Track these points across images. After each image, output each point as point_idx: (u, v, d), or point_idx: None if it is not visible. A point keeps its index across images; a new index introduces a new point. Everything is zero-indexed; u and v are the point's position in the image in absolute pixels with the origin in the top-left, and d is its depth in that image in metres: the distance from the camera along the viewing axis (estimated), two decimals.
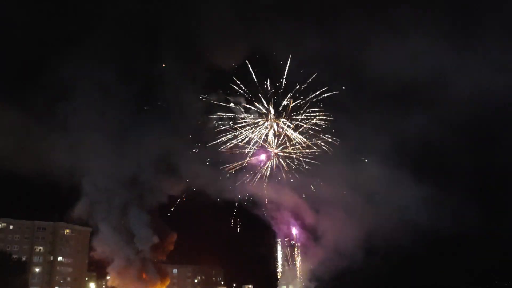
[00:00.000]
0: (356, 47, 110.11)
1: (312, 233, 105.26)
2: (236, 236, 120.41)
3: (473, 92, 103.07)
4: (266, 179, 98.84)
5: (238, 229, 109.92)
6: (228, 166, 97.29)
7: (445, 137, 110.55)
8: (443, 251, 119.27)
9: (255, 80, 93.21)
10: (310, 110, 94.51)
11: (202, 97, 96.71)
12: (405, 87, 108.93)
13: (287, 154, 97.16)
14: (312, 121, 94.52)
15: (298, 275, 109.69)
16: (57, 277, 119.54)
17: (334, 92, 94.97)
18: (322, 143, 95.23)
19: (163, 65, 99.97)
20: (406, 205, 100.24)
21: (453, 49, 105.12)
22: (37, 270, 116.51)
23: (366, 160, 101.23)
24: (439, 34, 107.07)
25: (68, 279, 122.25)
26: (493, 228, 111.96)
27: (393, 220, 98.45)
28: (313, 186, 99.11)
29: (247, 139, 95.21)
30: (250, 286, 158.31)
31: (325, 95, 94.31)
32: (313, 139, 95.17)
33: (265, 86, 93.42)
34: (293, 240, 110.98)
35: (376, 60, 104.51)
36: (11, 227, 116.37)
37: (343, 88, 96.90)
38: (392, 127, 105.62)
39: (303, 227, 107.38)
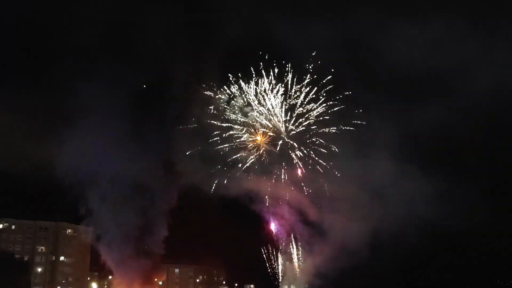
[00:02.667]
0: (371, 33, 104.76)
1: (316, 230, 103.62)
2: (237, 235, 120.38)
3: (496, 83, 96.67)
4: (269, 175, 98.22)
5: (239, 227, 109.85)
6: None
7: (462, 130, 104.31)
8: (449, 249, 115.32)
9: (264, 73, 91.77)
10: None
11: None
12: (424, 76, 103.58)
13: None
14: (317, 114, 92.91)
15: (301, 274, 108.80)
16: (59, 277, 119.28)
17: (348, 92, 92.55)
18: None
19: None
20: (414, 200, 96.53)
21: (477, 36, 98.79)
22: (39, 270, 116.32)
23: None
24: (462, 19, 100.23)
25: (70, 279, 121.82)
26: (502, 227, 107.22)
27: (401, 216, 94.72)
28: (317, 180, 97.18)
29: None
30: (252, 285, 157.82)
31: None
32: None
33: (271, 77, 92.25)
34: (295, 237, 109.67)
35: (394, 47, 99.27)
36: (13, 227, 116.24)
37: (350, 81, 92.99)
38: (406, 119, 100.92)
39: (307, 223, 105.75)
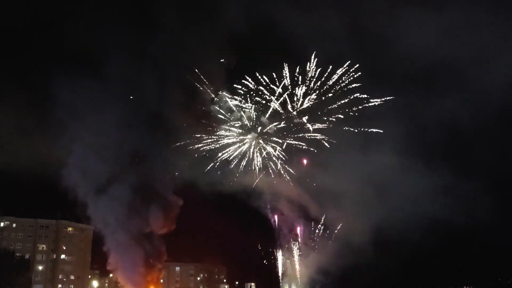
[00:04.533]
0: (382, 21, 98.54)
1: (318, 226, 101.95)
2: (238, 233, 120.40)
3: None
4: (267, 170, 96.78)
5: (240, 225, 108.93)
6: None
7: (471, 123, 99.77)
8: (454, 245, 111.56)
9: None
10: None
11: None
12: (437, 66, 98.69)
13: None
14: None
15: (302, 272, 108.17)
16: (60, 275, 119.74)
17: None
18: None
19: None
20: (419, 196, 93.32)
21: (494, 25, 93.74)
22: (40, 268, 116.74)
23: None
24: (479, 7, 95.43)
25: (71, 277, 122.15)
26: (508, 223, 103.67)
27: (405, 212, 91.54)
28: (319, 176, 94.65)
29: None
30: (253, 284, 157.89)
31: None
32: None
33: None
34: (296, 234, 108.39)
35: (406, 35, 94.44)
36: (14, 225, 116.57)
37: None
38: (414, 111, 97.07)
39: (309, 219, 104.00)
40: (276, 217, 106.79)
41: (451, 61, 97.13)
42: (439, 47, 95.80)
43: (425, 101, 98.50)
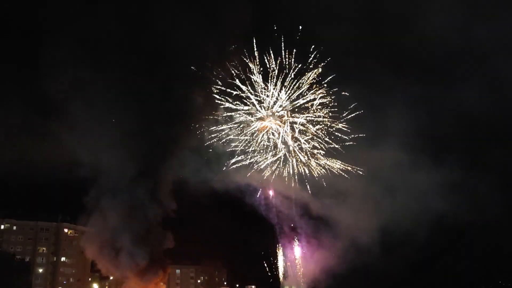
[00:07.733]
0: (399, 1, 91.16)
1: (321, 226, 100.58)
2: (238, 235, 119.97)
3: None
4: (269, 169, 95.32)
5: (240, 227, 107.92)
6: None
7: (489, 116, 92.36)
8: (462, 245, 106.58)
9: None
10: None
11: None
12: (460, 52, 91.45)
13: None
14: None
15: (304, 274, 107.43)
16: (60, 278, 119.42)
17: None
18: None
19: None
20: (427, 193, 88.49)
21: None
22: (40, 270, 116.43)
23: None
24: None
25: (71, 279, 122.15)
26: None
27: (412, 210, 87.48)
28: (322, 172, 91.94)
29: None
30: (253, 286, 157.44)
31: None
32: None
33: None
34: (298, 233, 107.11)
35: (427, 17, 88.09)
36: (14, 228, 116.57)
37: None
38: (430, 102, 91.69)
39: (312, 218, 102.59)
40: (276, 216, 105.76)
41: (475, 45, 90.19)
42: (464, 29, 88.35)
43: (442, 91, 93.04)
